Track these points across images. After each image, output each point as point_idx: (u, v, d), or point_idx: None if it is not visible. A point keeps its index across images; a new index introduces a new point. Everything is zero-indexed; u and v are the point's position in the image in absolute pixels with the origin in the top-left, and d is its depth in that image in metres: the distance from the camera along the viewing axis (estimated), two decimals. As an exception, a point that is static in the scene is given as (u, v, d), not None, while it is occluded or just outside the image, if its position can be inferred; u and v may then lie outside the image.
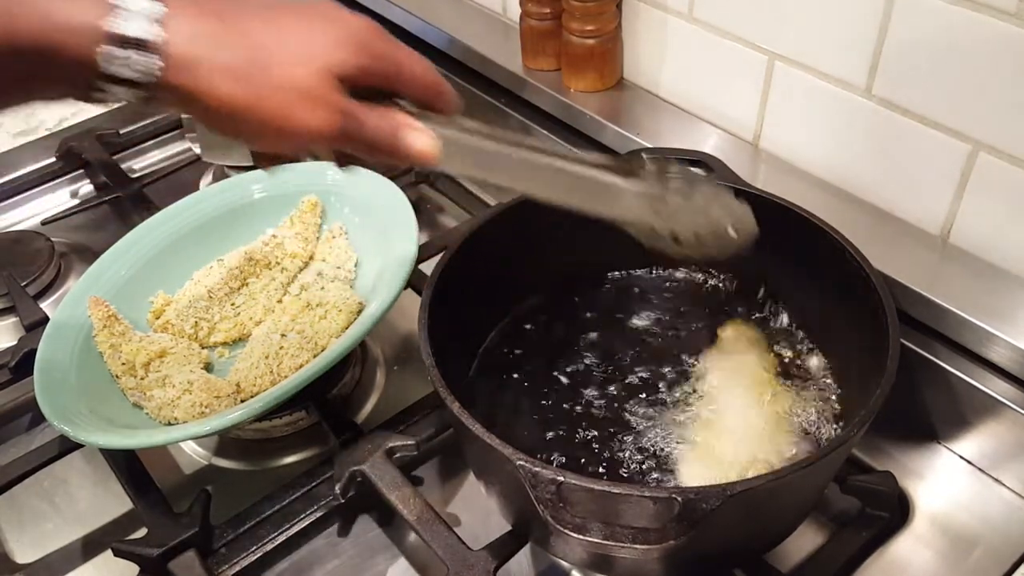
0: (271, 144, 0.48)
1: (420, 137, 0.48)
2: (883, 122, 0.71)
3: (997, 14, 0.61)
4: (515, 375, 0.70)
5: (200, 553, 0.62)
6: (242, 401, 0.67)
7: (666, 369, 0.69)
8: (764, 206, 0.69)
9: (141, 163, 1.07)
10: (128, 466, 0.69)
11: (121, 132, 1.06)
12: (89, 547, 0.68)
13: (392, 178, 0.81)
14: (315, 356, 0.69)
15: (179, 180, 1.00)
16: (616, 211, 0.54)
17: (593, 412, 0.66)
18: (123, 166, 1.03)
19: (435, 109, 0.50)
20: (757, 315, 0.73)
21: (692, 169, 0.58)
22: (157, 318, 0.78)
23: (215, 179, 1.00)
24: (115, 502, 0.70)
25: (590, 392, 0.68)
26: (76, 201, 1.02)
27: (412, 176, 0.96)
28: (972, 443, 0.68)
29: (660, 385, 0.68)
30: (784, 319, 0.72)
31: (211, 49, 0.42)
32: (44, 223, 0.97)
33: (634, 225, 0.55)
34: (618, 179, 0.53)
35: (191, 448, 0.74)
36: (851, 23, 0.70)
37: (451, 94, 0.51)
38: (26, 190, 1.01)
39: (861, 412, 0.54)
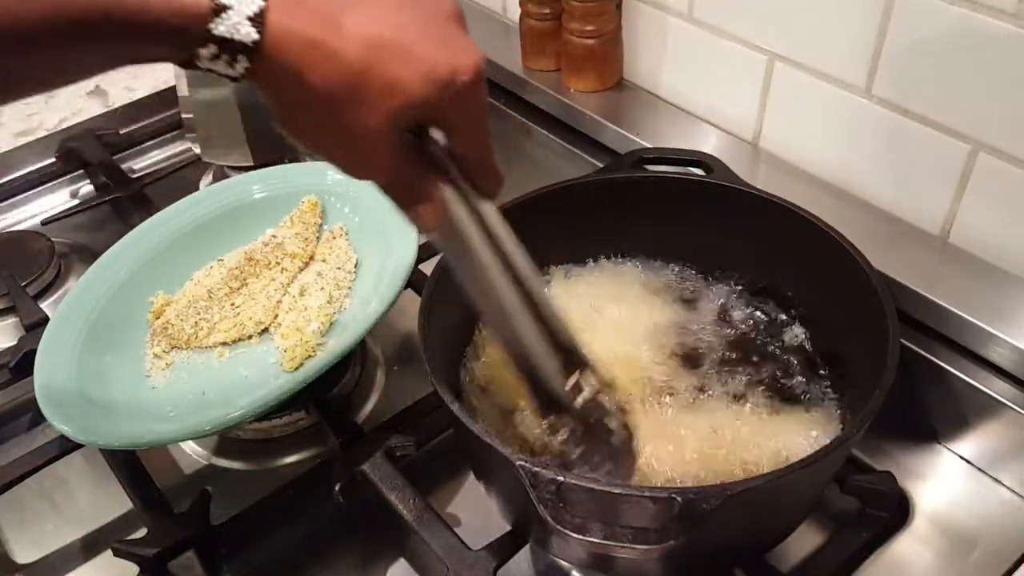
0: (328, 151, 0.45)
1: (432, 217, 0.47)
2: (883, 122, 0.72)
3: (997, 14, 0.61)
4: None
5: (200, 553, 0.62)
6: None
7: (668, 366, 0.69)
8: (764, 206, 0.69)
9: (141, 163, 1.07)
10: (128, 466, 0.69)
11: (121, 132, 1.06)
12: (89, 547, 0.68)
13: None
14: (314, 353, 0.69)
15: (179, 180, 1.00)
16: (531, 389, 0.54)
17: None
18: (123, 166, 1.03)
19: (473, 185, 0.48)
20: (757, 315, 0.72)
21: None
22: (157, 318, 0.78)
23: (215, 179, 1.00)
24: (115, 502, 0.70)
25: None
26: (76, 201, 1.02)
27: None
28: (972, 443, 0.69)
29: (665, 382, 0.68)
30: (783, 319, 0.72)
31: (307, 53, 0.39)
32: (44, 223, 0.97)
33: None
34: (558, 375, 0.53)
35: (191, 448, 0.74)
36: (851, 23, 0.70)
37: (494, 181, 0.48)
38: (26, 190, 1.01)
39: (861, 412, 0.54)
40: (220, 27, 0.37)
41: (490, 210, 0.49)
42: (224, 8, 0.37)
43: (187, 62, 0.39)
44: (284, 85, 0.40)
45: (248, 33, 0.38)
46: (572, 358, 0.54)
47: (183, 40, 0.38)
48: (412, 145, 0.46)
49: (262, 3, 0.38)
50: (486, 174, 0.48)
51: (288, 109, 0.42)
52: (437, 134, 0.46)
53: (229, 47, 0.38)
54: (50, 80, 0.40)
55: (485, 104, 0.45)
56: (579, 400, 0.54)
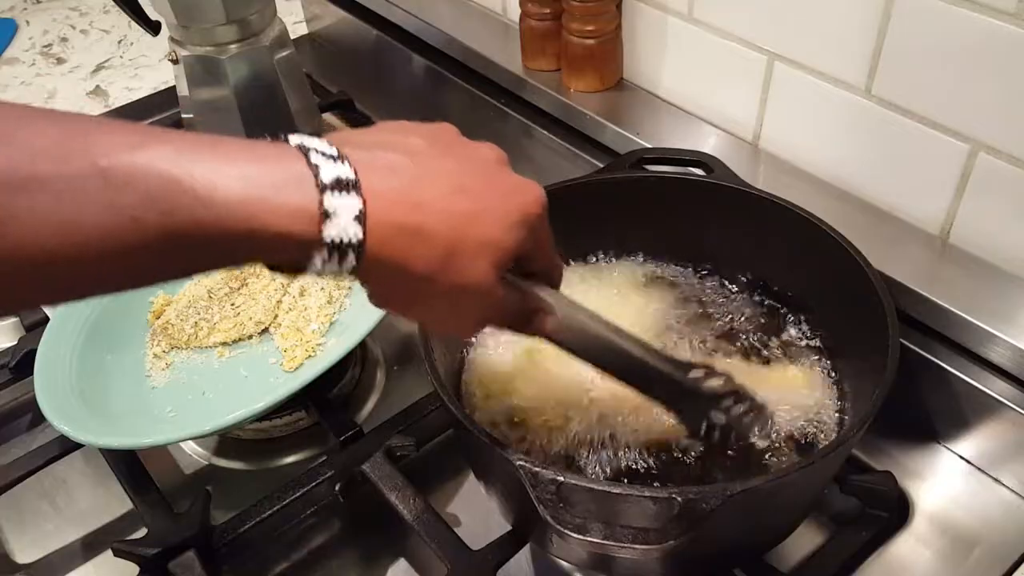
0: (429, 317, 0.49)
1: (550, 321, 0.51)
2: (883, 122, 0.72)
3: (997, 14, 0.61)
4: (515, 375, 0.70)
5: (200, 553, 0.62)
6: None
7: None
8: (764, 206, 0.69)
9: (141, 163, 1.07)
10: (128, 466, 0.69)
11: (121, 132, 1.06)
12: (89, 547, 0.68)
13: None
14: (314, 353, 0.69)
15: (179, 180, 1.00)
16: (669, 402, 0.58)
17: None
18: (123, 166, 1.03)
19: (541, 281, 0.51)
20: (756, 315, 0.72)
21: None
22: (157, 318, 0.78)
23: (215, 179, 1.00)
24: (115, 502, 0.70)
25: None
26: (76, 201, 1.02)
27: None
28: (972, 443, 0.69)
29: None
30: (783, 319, 0.72)
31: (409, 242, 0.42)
32: (44, 223, 0.97)
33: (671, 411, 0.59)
34: (682, 377, 0.57)
35: (191, 448, 0.74)
36: (851, 23, 0.70)
37: (561, 272, 0.53)
38: (26, 190, 1.01)
39: (861, 412, 0.54)
40: (332, 231, 0.39)
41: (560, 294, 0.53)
42: (330, 213, 0.39)
43: (299, 268, 0.40)
44: (386, 272, 0.42)
45: (356, 233, 0.39)
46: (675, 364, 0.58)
47: (299, 248, 0.39)
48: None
49: (361, 204, 0.39)
50: (557, 270, 0.53)
51: (392, 292, 0.44)
52: None
53: (340, 249, 0.39)
54: (141, 286, 0.41)
55: (548, 222, 0.48)
56: (704, 383, 0.58)
